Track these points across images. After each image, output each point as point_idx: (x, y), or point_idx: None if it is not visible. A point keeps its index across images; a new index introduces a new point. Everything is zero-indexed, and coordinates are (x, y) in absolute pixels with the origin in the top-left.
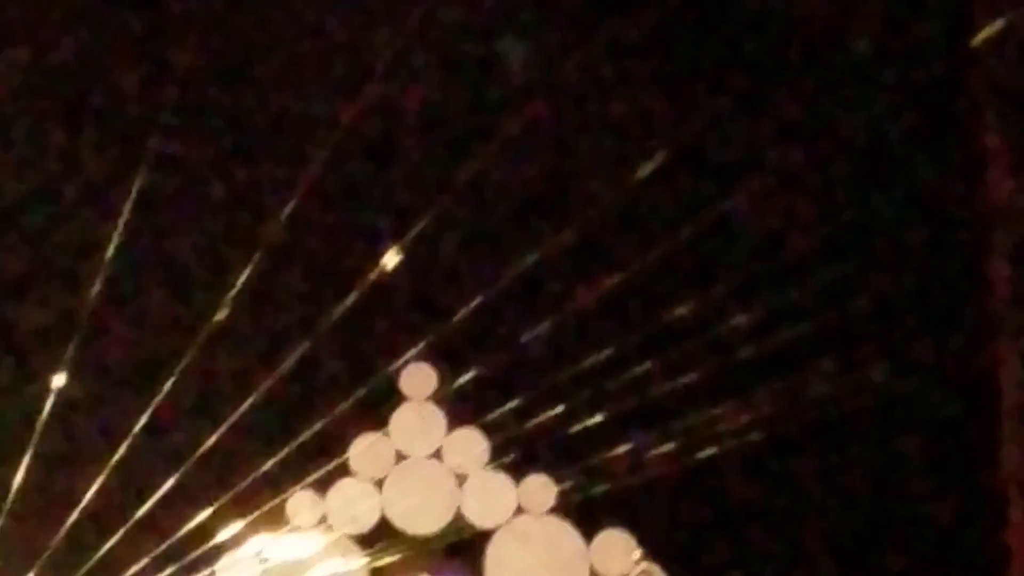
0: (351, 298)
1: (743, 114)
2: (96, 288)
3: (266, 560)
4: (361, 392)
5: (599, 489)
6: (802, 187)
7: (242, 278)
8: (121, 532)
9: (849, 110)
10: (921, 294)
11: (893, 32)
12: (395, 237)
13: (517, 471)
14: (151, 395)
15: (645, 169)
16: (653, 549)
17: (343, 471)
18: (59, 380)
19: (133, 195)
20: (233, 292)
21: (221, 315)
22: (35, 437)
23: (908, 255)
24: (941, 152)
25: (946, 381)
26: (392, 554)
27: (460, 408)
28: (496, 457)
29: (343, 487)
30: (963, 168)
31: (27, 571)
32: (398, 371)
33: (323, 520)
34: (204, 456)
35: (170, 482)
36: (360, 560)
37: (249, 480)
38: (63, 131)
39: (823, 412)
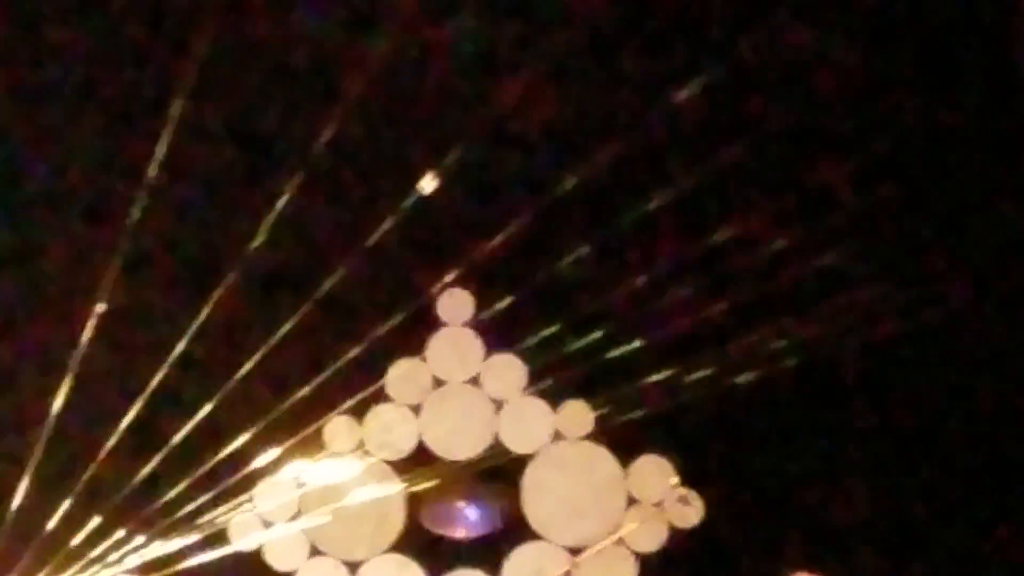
0: (388, 223)
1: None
2: (136, 213)
3: (303, 485)
4: (399, 317)
5: (636, 414)
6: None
7: (280, 204)
8: (158, 458)
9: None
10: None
11: None
12: (432, 161)
13: (554, 397)
14: (189, 320)
15: (686, 91)
16: (690, 475)
17: (380, 396)
18: (100, 307)
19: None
20: (271, 217)
21: (259, 241)
22: (75, 362)
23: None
24: None
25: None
26: (429, 480)
27: (497, 334)
28: (533, 382)
29: (380, 412)
30: None
31: (65, 496)
32: (435, 296)
33: (360, 446)
34: (241, 381)
35: (206, 408)
36: (397, 486)
37: (286, 405)
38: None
39: (864, 335)
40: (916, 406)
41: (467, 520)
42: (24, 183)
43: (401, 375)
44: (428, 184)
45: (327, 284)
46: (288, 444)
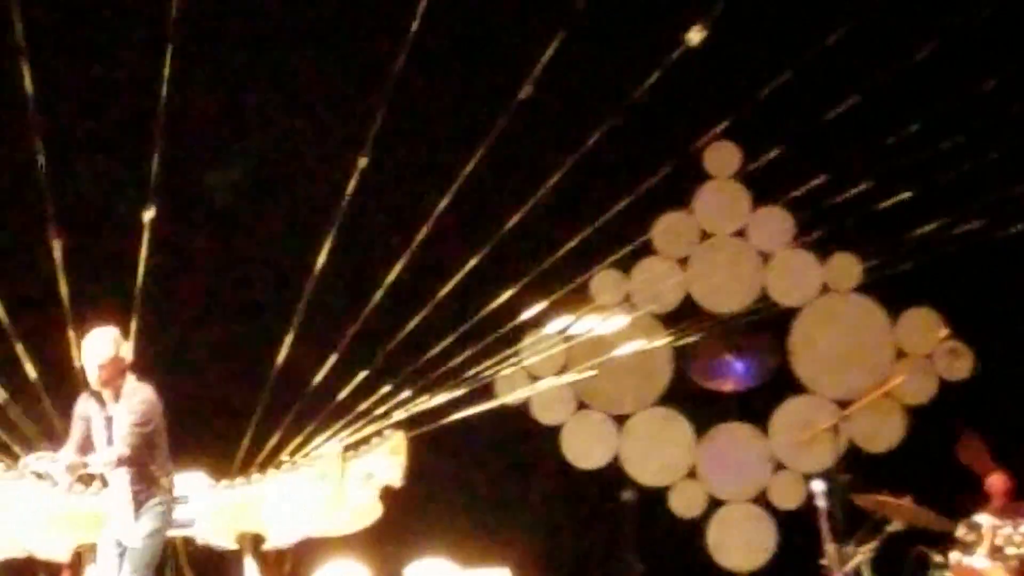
0: (654, 76)
1: None
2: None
3: (569, 339)
4: (665, 170)
5: (905, 266)
6: None
7: (546, 54)
8: (425, 311)
9: None
10: None
11: None
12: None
13: (822, 249)
14: (453, 177)
15: None
16: (961, 327)
17: (647, 249)
18: (362, 162)
19: None
20: (537, 69)
21: (525, 92)
22: (339, 215)
23: None
24: None
25: None
26: (696, 333)
27: (765, 185)
28: (801, 234)
29: (647, 265)
30: None
31: (331, 351)
32: (702, 148)
33: (627, 298)
34: (509, 234)
35: (473, 261)
36: (664, 339)
37: (553, 259)
38: None
39: None
40: None
41: (734, 373)
42: None
43: (668, 228)
44: (695, 35)
45: (595, 136)
46: (554, 297)
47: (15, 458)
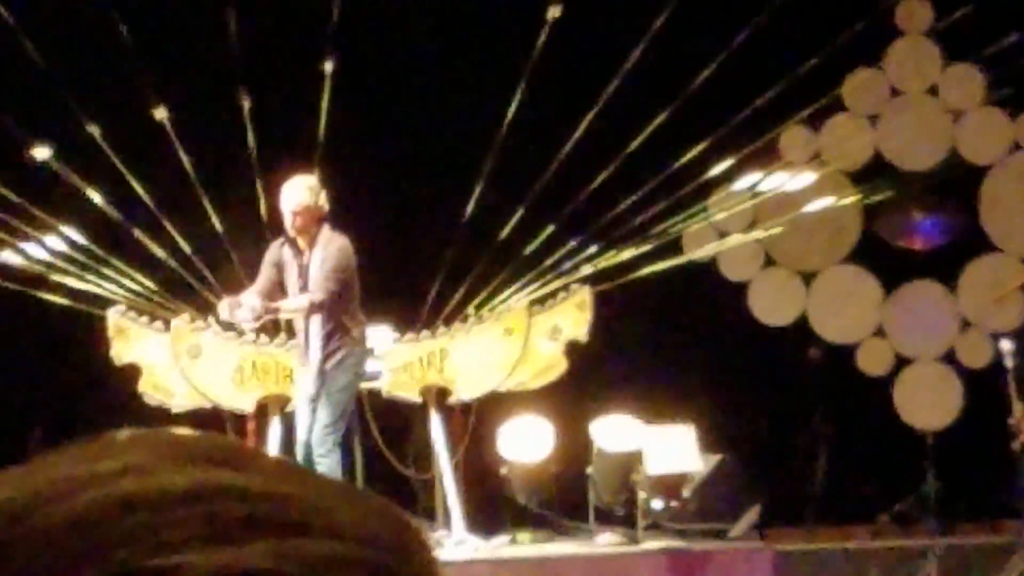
0: None
1: None
2: None
3: (758, 195)
4: (857, 26)
5: None
6: None
7: None
8: (613, 165)
9: None
10: None
11: None
12: None
13: (1014, 106)
14: (647, 27)
15: None
16: None
17: (837, 106)
18: (555, 11)
19: None
20: None
21: None
22: (530, 66)
23: None
24: None
25: None
26: (885, 191)
27: (957, 42)
28: (993, 92)
29: (837, 122)
30: None
31: (519, 205)
32: (894, 4)
33: (816, 155)
34: (698, 89)
35: (662, 116)
36: (853, 196)
37: (743, 115)
38: None
39: None
40: None
41: (924, 231)
42: None
43: (858, 84)
44: None
45: None
46: (743, 153)
47: (200, 310)
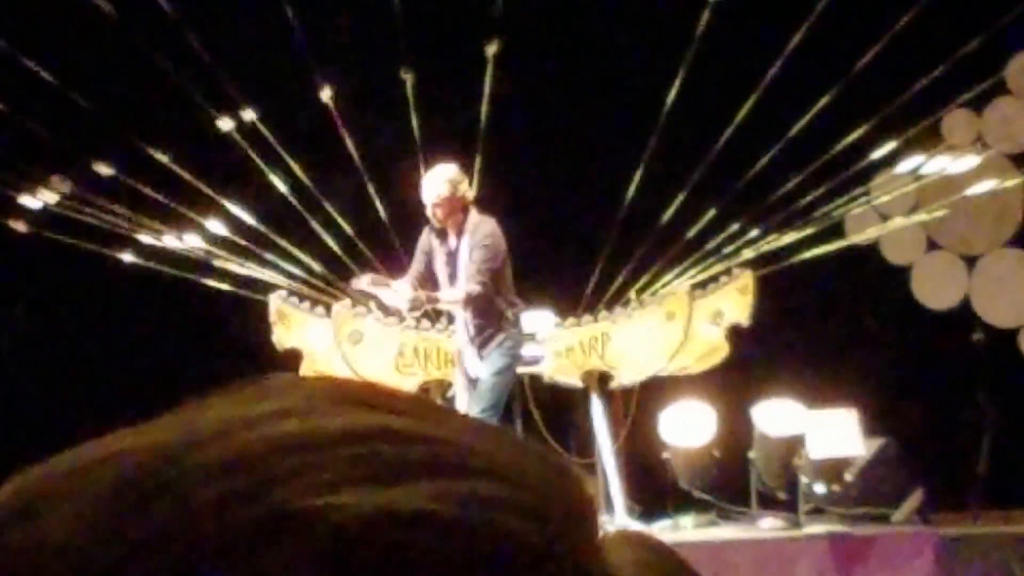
0: None
1: None
2: None
3: (921, 178)
4: (1021, 7)
5: None
6: None
7: None
8: (775, 148)
9: None
10: None
11: None
12: None
13: None
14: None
15: None
16: None
17: (1000, 89)
18: None
19: None
20: None
21: None
22: (691, 51)
23: None
24: None
25: None
26: None
27: None
28: None
29: (1000, 105)
30: None
31: (680, 189)
32: None
33: (979, 138)
34: (859, 73)
35: (823, 100)
36: (1017, 179)
37: (904, 97)
38: None
39: None
40: None
41: None
42: None
43: (1022, 67)
44: None
45: None
46: (906, 136)
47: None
